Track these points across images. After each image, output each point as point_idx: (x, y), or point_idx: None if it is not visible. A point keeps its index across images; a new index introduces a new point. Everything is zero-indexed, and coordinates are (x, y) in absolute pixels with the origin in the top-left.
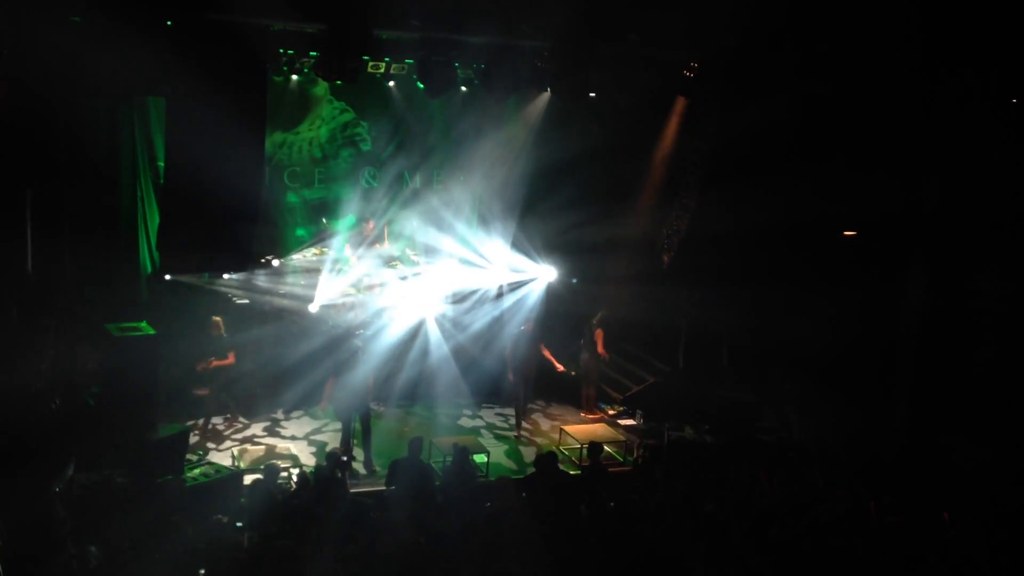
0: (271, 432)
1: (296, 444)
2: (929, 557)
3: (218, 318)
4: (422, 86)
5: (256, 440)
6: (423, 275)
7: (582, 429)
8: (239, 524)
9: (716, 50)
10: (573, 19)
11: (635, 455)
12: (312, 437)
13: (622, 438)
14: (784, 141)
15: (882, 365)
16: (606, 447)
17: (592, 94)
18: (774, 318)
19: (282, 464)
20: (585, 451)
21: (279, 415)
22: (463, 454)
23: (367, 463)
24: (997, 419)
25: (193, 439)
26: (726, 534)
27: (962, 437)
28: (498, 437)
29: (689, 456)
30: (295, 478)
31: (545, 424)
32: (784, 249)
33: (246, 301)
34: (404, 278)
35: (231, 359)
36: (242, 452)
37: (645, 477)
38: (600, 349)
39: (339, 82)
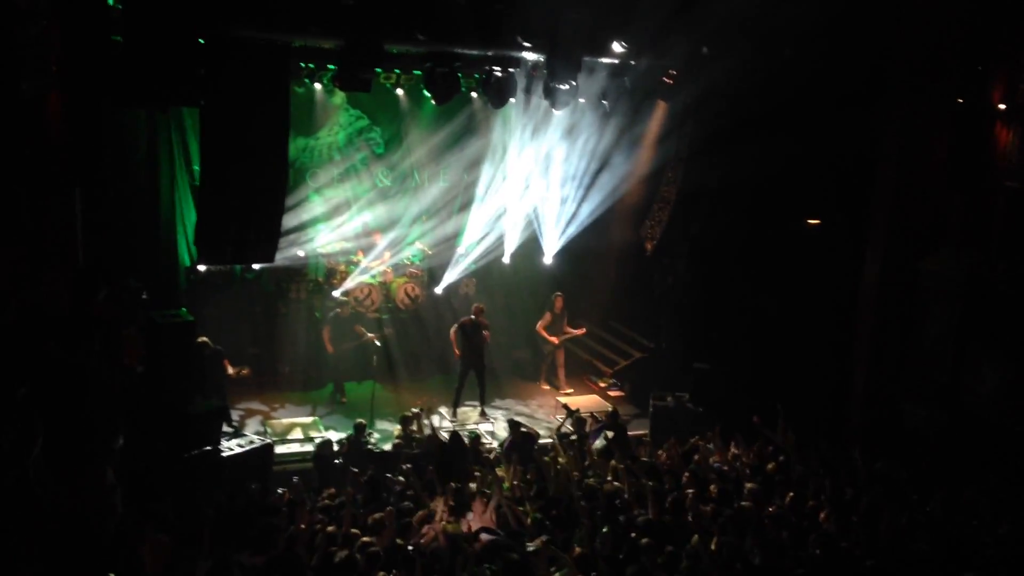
0: (302, 406)
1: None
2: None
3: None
4: (428, 94)
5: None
6: (429, 263)
7: (576, 401)
8: (280, 491)
9: (689, 58)
10: (563, 32)
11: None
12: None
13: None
14: (754, 142)
15: (844, 339)
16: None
17: (582, 100)
18: (745, 298)
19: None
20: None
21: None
22: (456, 436)
23: None
24: (947, 387)
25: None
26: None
27: (916, 403)
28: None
29: (669, 422)
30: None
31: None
32: (755, 237)
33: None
34: (413, 264)
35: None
36: (273, 425)
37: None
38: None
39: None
